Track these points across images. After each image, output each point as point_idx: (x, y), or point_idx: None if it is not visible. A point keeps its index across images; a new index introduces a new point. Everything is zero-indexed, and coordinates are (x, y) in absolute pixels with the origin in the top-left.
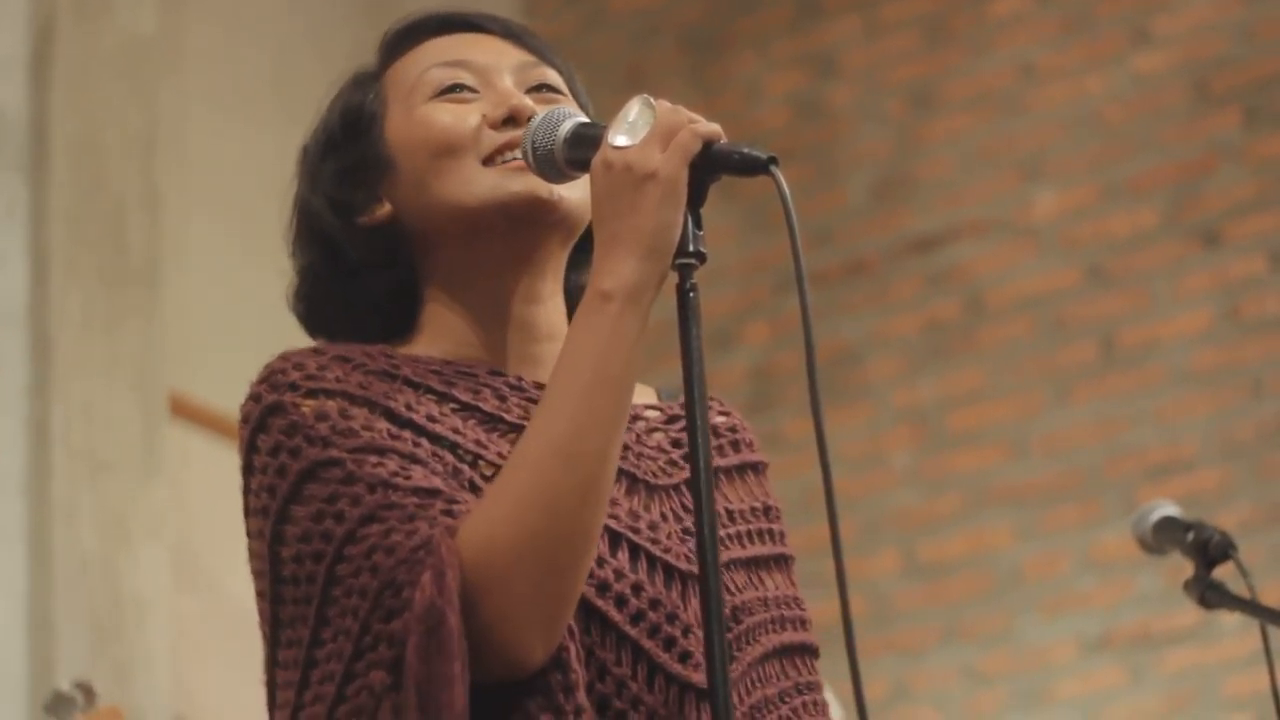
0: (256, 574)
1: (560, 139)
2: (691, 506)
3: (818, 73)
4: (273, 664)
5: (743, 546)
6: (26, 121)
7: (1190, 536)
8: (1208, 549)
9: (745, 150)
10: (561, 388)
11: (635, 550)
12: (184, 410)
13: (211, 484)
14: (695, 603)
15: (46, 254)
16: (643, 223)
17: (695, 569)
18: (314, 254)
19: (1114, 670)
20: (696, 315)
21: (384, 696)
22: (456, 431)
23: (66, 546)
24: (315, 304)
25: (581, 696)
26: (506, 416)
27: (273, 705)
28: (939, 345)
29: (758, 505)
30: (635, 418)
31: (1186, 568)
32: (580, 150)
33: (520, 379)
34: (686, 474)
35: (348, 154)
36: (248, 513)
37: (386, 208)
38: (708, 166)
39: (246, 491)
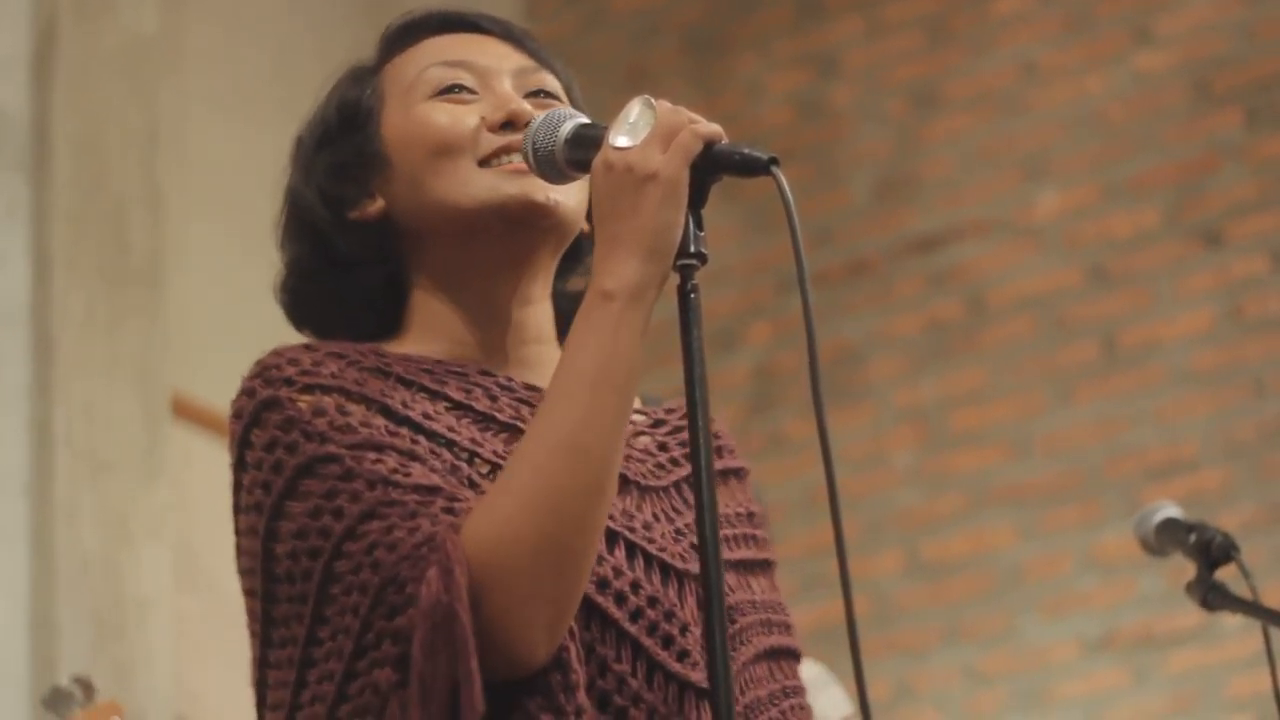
0: (247, 572)
1: (561, 140)
2: (682, 507)
3: (819, 72)
4: (264, 664)
5: (731, 549)
6: (28, 121)
7: (1192, 538)
8: (1210, 550)
9: (746, 151)
10: (565, 387)
11: (632, 548)
12: (185, 410)
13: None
14: (691, 601)
15: (48, 254)
16: (644, 224)
17: (691, 568)
18: (303, 246)
19: (1116, 671)
20: (698, 316)
21: (390, 694)
22: (451, 429)
23: (68, 546)
24: (301, 296)
25: (582, 697)
26: (499, 416)
27: (263, 705)
28: (941, 345)
29: (741, 511)
30: None
31: (1188, 569)
32: (581, 151)
33: (510, 379)
34: (676, 476)
35: (342, 147)
36: (238, 509)
37: (379, 203)
38: (709, 167)
39: (238, 488)
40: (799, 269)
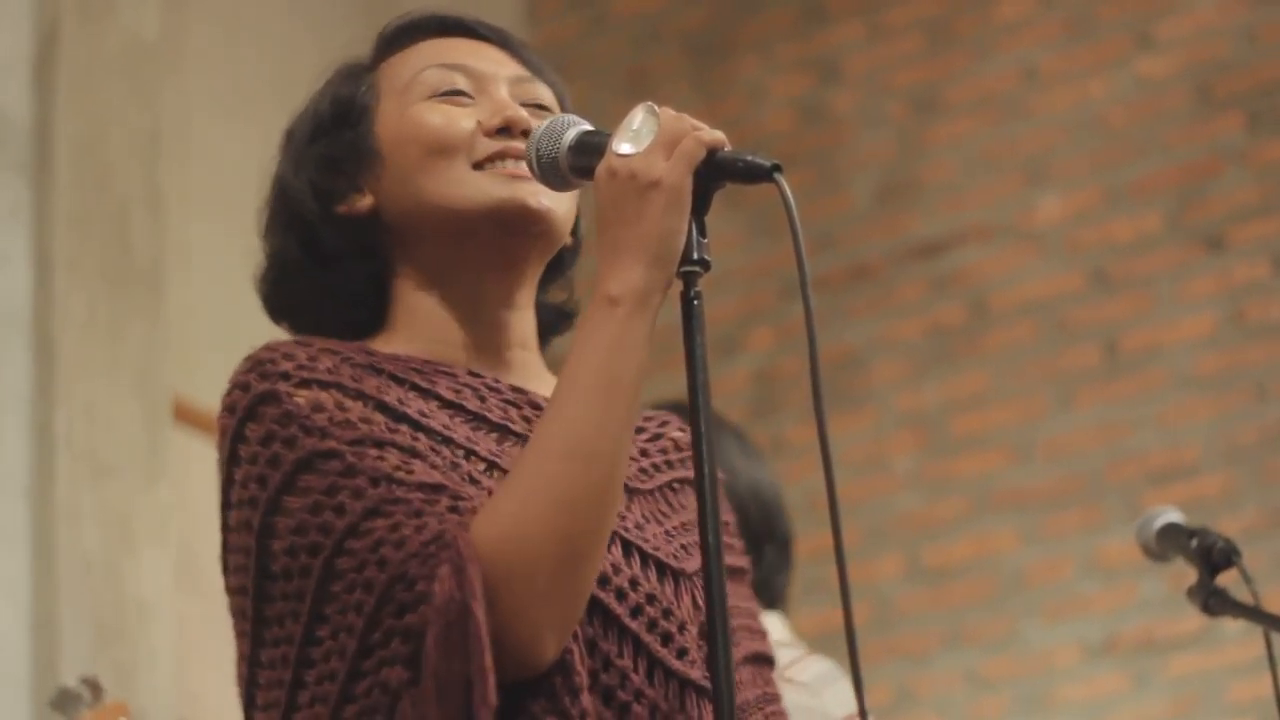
0: (237, 569)
1: (564, 147)
2: (668, 510)
3: (821, 77)
4: (254, 663)
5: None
6: (30, 123)
7: (1194, 543)
8: (1211, 555)
9: (749, 158)
10: (574, 390)
11: (628, 546)
12: (187, 413)
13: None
14: (687, 599)
15: (49, 256)
16: (648, 230)
17: (685, 566)
18: (288, 237)
19: (1117, 676)
20: (701, 322)
21: (402, 692)
22: (447, 427)
23: (69, 549)
24: (282, 288)
25: (586, 699)
26: (490, 416)
27: (251, 705)
28: (942, 350)
29: (725, 520)
30: None
31: (1190, 574)
32: (585, 158)
33: (497, 380)
34: (660, 480)
35: (335, 141)
36: (228, 505)
37: (368, 199)
38: (712, 174)
39: (228, 483)
40: (801, 275)
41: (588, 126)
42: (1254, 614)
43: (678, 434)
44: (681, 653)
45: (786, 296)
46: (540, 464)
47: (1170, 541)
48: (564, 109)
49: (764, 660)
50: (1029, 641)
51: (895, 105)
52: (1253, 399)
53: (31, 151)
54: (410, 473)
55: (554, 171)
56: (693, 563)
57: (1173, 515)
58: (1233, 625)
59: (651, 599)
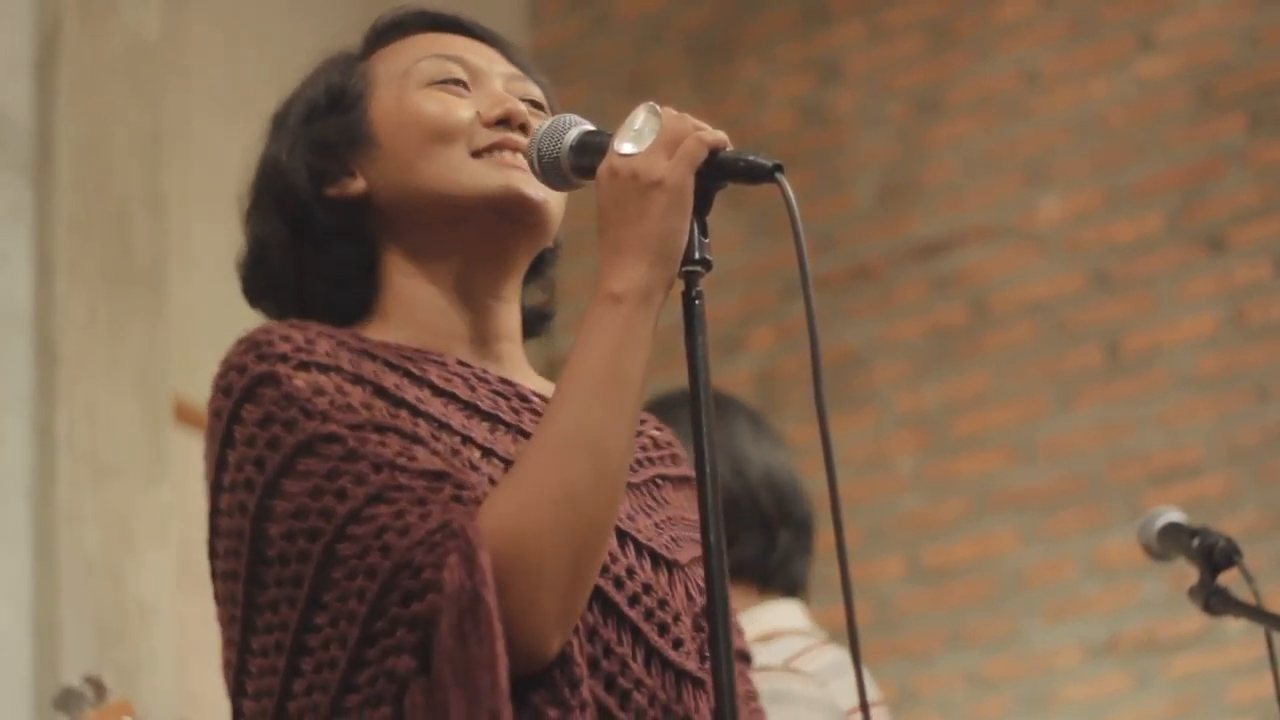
0: (228, 553)
1: (566, 146)
2: (654, 504)
3: (822, 78)
4: (244, 650)
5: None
6: (31, 124)
7: (1195, 543)
8: (1213, 555)
9: (751, 158)
10: (578, 384)
11: (623, 536)
12: (188, 414)
13: None
14: (680, 590)
15: (51, 256)
16: (650, 229)
17: (679, 557)
18: (276, 218)
19: (1119, 675)
20: (702, 323)
21: (409, 681)
22: (443, 414)
23: (71, 550)
24: (266, 270)
25: (585, 691)
26: (481, 405)
27: (240, 693)
28: (943, 350)
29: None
30: None
31: (1191, 574)
32: (586, 157)
33: (486, 371)
34: (646, 474)
35: (328, 124)
36: (220, 488)
37: (360, 183)
38: (713, 174)
39: (221, 466)
40: (803, 275)
41: (589, 126)
42: (1255, 614)
43: (655, 432)
44: (678, 643)
45: (787, 296)
46: (546, 457)
47: (1172, 541)
48: (552, 110)
49: (743, 657)
50: (1030, 642)
51: (896, 106)
52: (1253, 399)
53: (33, 152)
54: (413, 459)
55: (555, 170)
56: (684, 554)
57: (1174, 515)
58: (1234, 625)
59: (648, 588)
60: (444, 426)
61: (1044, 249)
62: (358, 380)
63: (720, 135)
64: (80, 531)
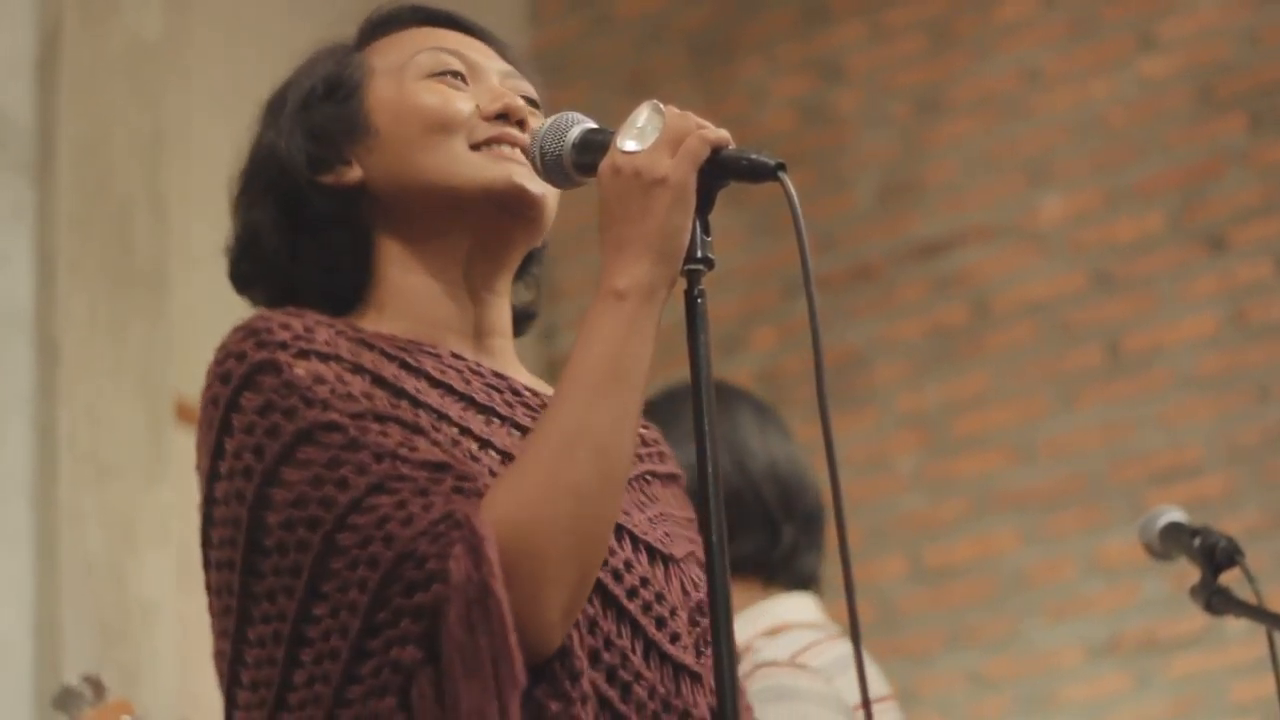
0: (222, 542)
1: (569, 144)
2: (646, 500)
3: (823, 77)
4: (239, 640)
5: (687, 548)
6: (33, 124)
7: (1196, 542)
8: (1214, 554)
9: (753, 156)
10: (581, 379)
11: (620, 530)
12: (189, 414)
13: None
14: (676, 584)
15: (52, 256)
16: (653, 227)
17: (674, 552)
18: (270, 204)
19: (1120, 675)
20: (705, 321)
21: (416, 671)
22: (441, 405)
23: (72, 550)
24: (257, 256)
25: (585, 683)
26: (476, 398)
27: (235, 684)
28: (944, 350)
29: (688, 516)
30: None
31: (1192, 573)
32: (588, 155)
33: (479, 364)
34: (642, 469)
35: (324, 113)
36: (215, 476)
37: (357, 172)
38: (716, 172)
39: (217, 454)
40: (805, 274)
41: (592, 124)
42: (1256, 613)
43: (642, 430)
44: (675, 637)
45: (789, 296)
46: (549, 452)
47: (1173, 541)
48: (544, 108)
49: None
50: (1031, 641)
51: (897, 105)
52: (1254, 399)
53: (34, 152)
54: (414, 449)
55: (558, 168)
56: (679, 549)
57: (1175, 515)
58: (1235, 625)
59: (645, 582)
60: (443, 417)
61: (1045, 249)
62: (357, 369)
63: (723, 134)
64: (81, 531)
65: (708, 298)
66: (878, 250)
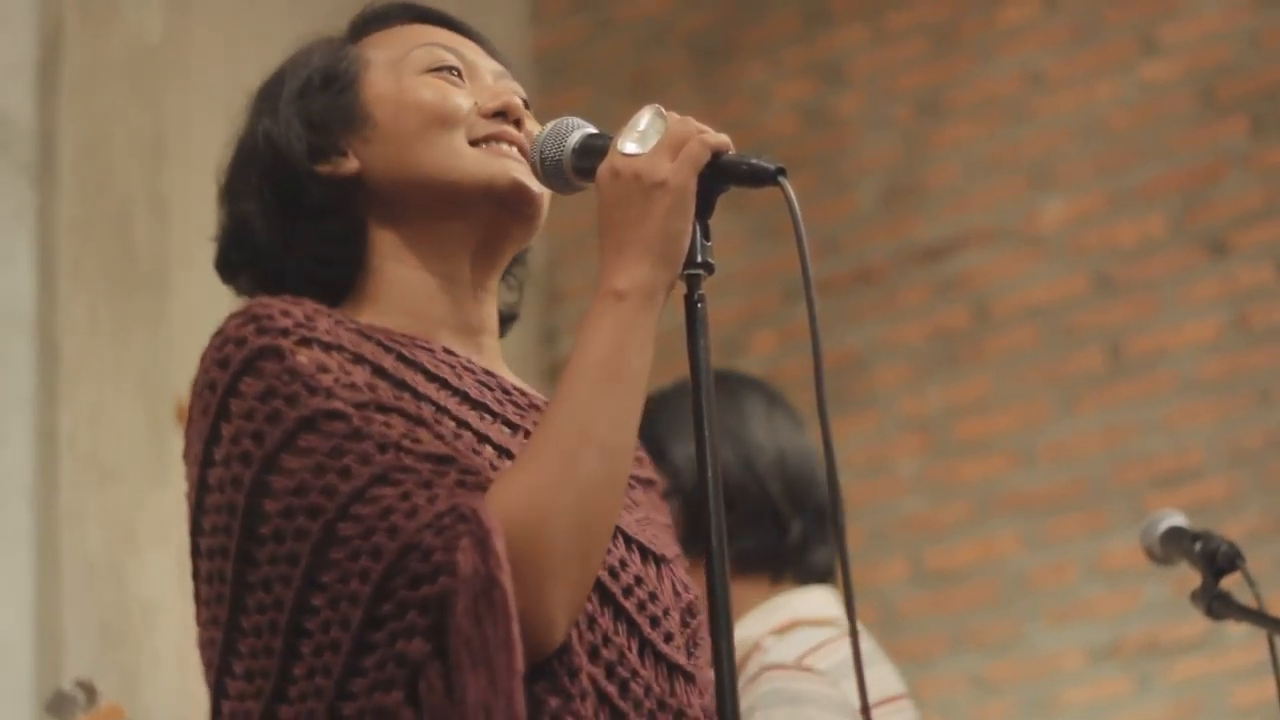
0: (215, 529)
1: (569, 149)
2: (629, 503)
3: (825, 81)
4: (232, 628)
5: (671, 550)
6: (34, 126)
7: (1197, 546)
8: (1215, 559)
9: (754, 161)
10: (583, 378)
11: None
12: None
13: None
14: (667, 584)
15: (53, 258)
16: (653, 230)
17: (666, 552)
18: (263, 191)
19: (1121, 679)
20: (704, 325)
21: (425, 664)
22: (439, 399)
23: (73, 552)
24: (248, 243)
25: (584, 680)
26: (470, 394)
27: (226, 673)
28: (946, 353)
29: (665, 521)
30: None
31: (1194, 577)
32: (589, 160)
33: (471, 361)
34: None
35: (321, 103)
36: (210, 462)
37: (353, 163)
38: (716, 177)
39: (212, 440)
40: (805, 278)
41: (591, 129)
42: (1258, 618)
43: None
44: (669, 637)
45: (789, 300)
46: (553, 450)
47: (1174, 545)
48: (533, 110)
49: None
50: (1033, 645)
51: (899, 109)
52: (1256, 403)
53: (35, 154)
54: (417, 441)
55: (558, 172)
56: (668, 550)
57: (1177, 519)
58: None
59: (639, 581)
60: (443, 411)
61: (1046, 252)
62: (359, 360)
63: (723, 139)
64: (82, 533)
65: (708, 302)
66: (879, 253)
